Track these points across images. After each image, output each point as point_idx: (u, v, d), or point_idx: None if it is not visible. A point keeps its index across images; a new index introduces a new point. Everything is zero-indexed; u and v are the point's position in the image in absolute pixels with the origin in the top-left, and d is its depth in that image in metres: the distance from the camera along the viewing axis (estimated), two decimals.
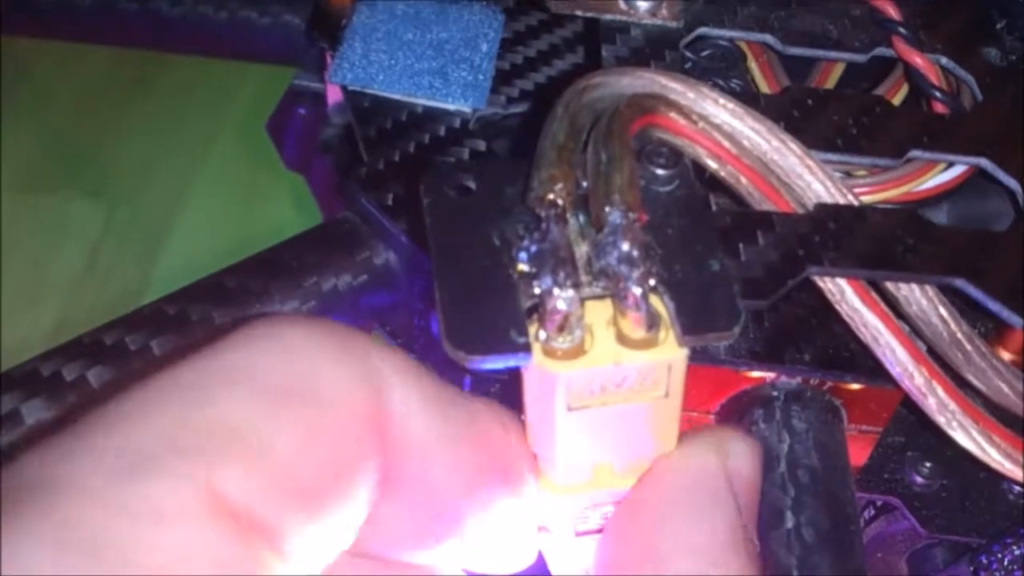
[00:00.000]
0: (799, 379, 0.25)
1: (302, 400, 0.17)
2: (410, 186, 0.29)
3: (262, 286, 0.27)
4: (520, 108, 0.33)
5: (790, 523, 0.23)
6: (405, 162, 0.30)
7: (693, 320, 0.19)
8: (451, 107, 0.31)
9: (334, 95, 0.34)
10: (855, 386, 0.25)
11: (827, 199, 0.23)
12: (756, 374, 0.25)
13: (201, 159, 1.01)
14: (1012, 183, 0.25)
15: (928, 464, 0.28)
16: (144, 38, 0.38)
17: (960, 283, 0.22)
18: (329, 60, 0.33)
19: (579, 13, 0.27)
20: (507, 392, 0.22)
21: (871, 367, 0.24)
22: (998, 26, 0.30)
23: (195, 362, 0.17)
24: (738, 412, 0.25)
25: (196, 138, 1.02)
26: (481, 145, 0.31)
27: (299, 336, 0.18)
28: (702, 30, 0.28)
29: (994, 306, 0.22)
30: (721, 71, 0.28)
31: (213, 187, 0.99)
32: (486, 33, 0.33)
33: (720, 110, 0.23)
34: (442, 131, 0.31)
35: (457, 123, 0.31)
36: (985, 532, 0.28)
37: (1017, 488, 0.28)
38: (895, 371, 0.23)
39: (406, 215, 0.29)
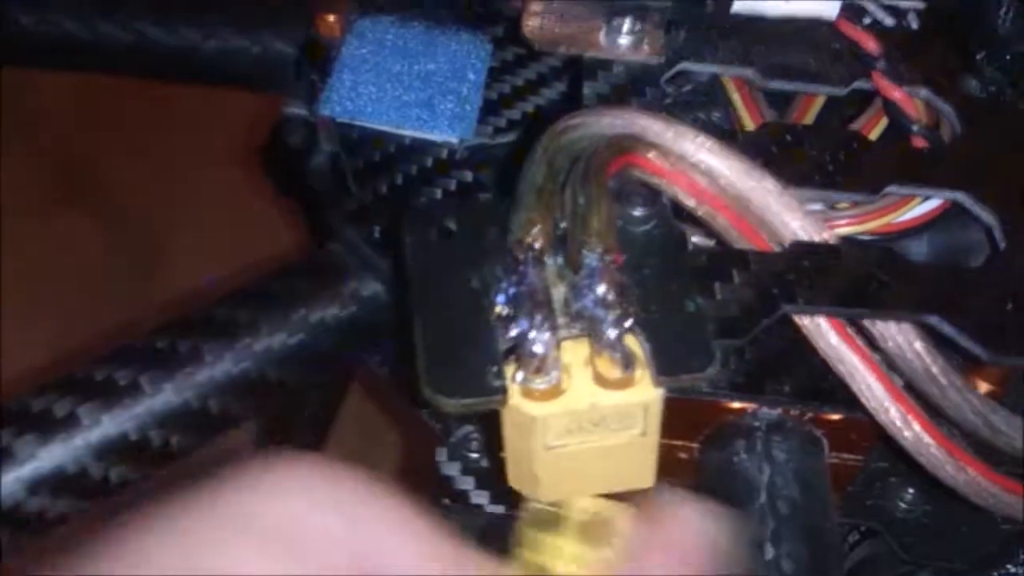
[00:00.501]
0: (780, 410, 0.25)
1: (300, 553, 0.17)
2: (396, 219, 0.30)
3: (250, 319, 0.28)
4: (507, 138, 0.33)
5: (770, 554, 0.24)
6: (392, 194, 0.30)
7: (668, 361, 0.20)
8: (438, 138, 0.32)
9: (324, 123, 0.34)
10: (835, 416, 0.25)
11: (803, 236, 0.23)
12: (737, 405, 0.25)
13: (198, 179, 1.01)
14: (989, 218, 0.25)
15: (911, 491, 0.29)
16: (140, 67, 0.39)
17: (934, 320, 0.23)
18: (319, 91, 0.33)
19: (562, 50, 0.28)
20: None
21: (851, 398, 0.24)
22: (978, 57, 0.30)
23: (199, 504, 0.18)
24: (720, 442, 0.26)
25: (193, 158, 1.03)
26: (468, 176, 0.31)
27: (295, 481, 0.18)
28: (683, 65, 0.28)
29: (966, 342, 0.23)
30: (702, 105, 0.28)
31: (209, 207, 0.99)
32: (473, 63, 0.33)
33: (698, 149, 0.23)
34: (429, 162, 0.31)
35: (444, 154, 0.32)
36: (967, 558, 0.28)
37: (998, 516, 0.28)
38: (870, 406, 0.23)
39: (391, 247, 0.29)
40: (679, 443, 0.26)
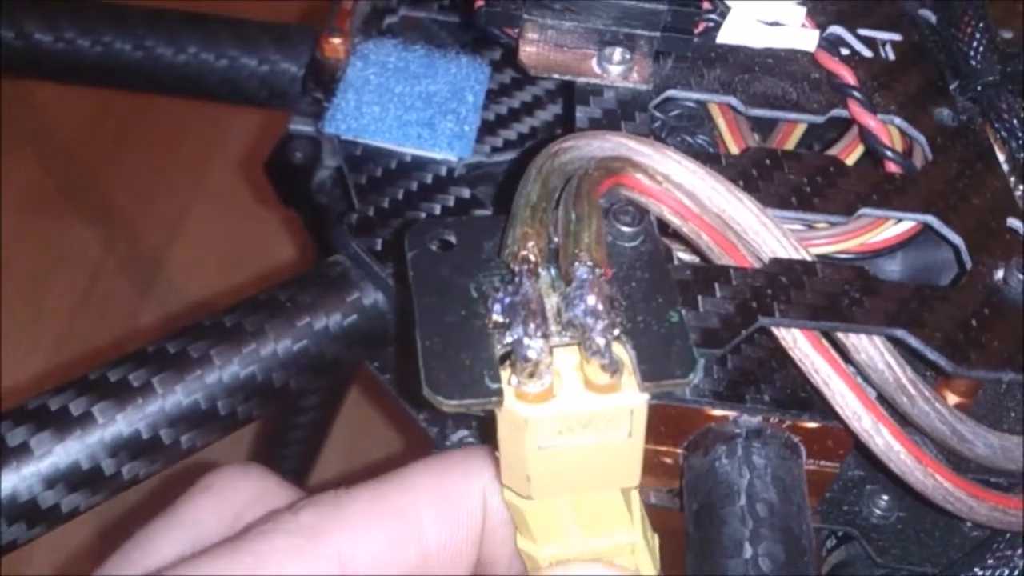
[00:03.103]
0: (760, 417, 0.27)
1: None
2: (398, 233, 0.31)
3: (258, 326, 0.29)
4: (504, 157, 0.34)
5: (748, 553, 0.25)
6: (394, 209, 0.32)
7: (653, 368, 0.21)
8: (438, 156, 0.33)
9: (328, 141, 0.36)
10: (812, 424, 0.27)
11: (781, 254, 0.25)
12: (719, 412, 0.27)
13: (198, 185, 1.03)
14: (956, 239, 0.27)
15: (885, 497, 0.30)
16: (148, 83, 0.40)
17: (901, 334, 0.24)
18: (324, 109, 0.34)
19: (556, 76, 0.29)
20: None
21: (826, 407, 0.25)
22: (951, 87, 0.32)
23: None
24: (703, 448, 0.27)
25: (194, 165, 1.04)
26: (466, 192, 0.33)
27: (275, 549, 0.22)
28: (670, 92, 0.29)
29: (932, 355, 0.24)
30: (688, 129, 0.30)
31: (210, 212, 1.01)
32: (472, 86, 0.35)
33: (683, 170, 0.25)
34: (429, 179, 0.33)
35: (444, 171, 0.33)
36: (938, 563, 0.29)
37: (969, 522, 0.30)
38: (844, 414, 0.25)
39: (393, 259, 0.30)
40: (664, 448, 0.27)
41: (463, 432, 0.30)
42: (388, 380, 0.33)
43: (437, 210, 0.32)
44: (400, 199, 0.32)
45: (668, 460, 0.28)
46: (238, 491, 0.24)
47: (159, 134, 1.05)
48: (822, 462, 0.28)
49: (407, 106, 0.34)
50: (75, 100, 1.06)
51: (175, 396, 0.27)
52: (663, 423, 0.26)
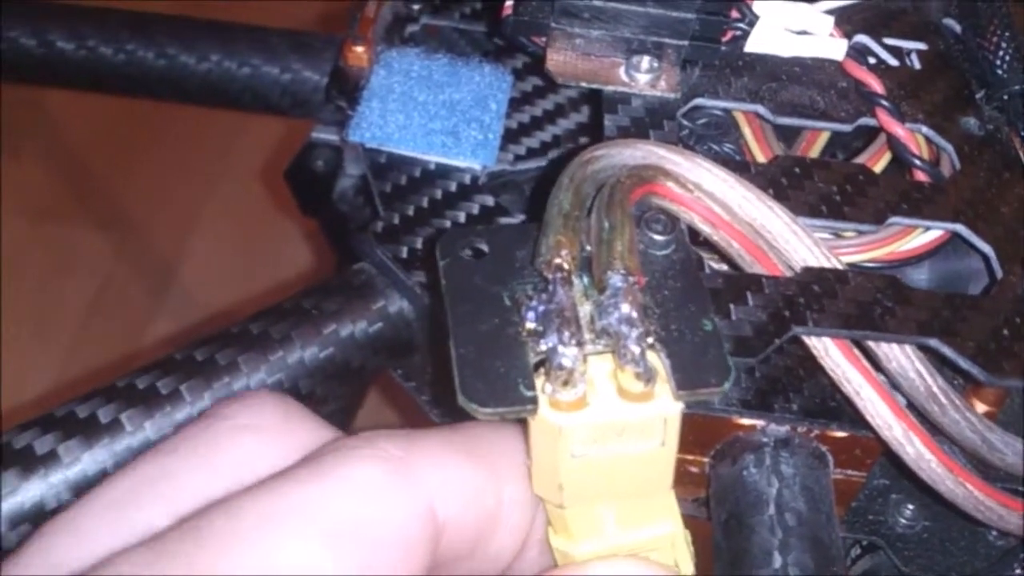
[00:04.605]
0: (788, 427, 0.27)
1: (368, 544, 0.18)
2: (423, 240, 0.31)
3: (284, 333, 0.29)
4: (527, 165, 0.34)
5: (777, 563, 0.25)
6: (418, 216, 0.32)
7: (687, 376, 0.21)
8: (462, 164, 0.33)
9: (352, 149, 0.36)
10: (840, 434, 0.27)
11: (812, 263, 0.25)
12: (747, 421, 0.27)
13: (211, 190, 1.03)
14: (986, 248, 0.27)
15: (911, 507, 0.30)
16: (171, 92, 0.40)
17: (934, 343, 0.24)
18: (348, 118, 0.34)
19: (584, 85, 0.29)
20: None
21: (856, 416, 0.25)
22: (977, 96, 0.32)
23: (269, 495, 0.18)
24: (730, 457, 0.27)
25: (206, 170, 1.04)
26: (489, 200, 0.33)
27: (368, 475, 0.19)
28: (698, 100, 0.29)
29: (966, 364, 0.24)
30: (715, 137, 0.30)
31: (222, 218, 1.01)
32: (495, 94, 0.35)
33: (713, 179, 0.25)
34: (453, 187, 0.33)
35: (467, 179, 0.33)
36: (964, 572, 0.29)
37: (996, 531, 0.29)
38: (875, 423, 0.24)
39: (419, 267, 0.31)
40: (691, 457, 0.27)
41: None
42: (412, 388, 0.33)
43: (461, 218, 0.32)
44: (424, 207, 0.32)
45: (694, 469, 0.27)
46: (294, 436, 0.19)
47: (171, 140, 1.05)
48: (849, 471, 0.28)
49: (431, 114, 0.34)
50: (86, 105, 1.06)
51: (203, 403, 0.27)
52: (690, 432, 0.26)
